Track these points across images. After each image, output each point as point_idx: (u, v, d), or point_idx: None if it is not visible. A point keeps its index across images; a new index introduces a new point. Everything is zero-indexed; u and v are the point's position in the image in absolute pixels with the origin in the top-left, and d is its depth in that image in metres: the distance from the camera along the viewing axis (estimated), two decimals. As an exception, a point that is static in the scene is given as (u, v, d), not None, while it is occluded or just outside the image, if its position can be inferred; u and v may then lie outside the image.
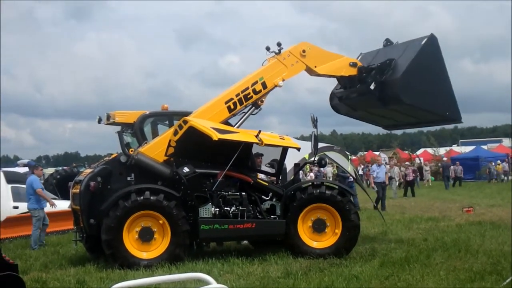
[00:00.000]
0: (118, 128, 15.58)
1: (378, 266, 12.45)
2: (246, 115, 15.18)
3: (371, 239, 16.42)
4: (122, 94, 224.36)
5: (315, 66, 15.37)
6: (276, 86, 15.05)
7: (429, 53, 15.02)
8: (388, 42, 15.85)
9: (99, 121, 15.88)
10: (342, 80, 15.91)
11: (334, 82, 16.71)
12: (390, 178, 32.16)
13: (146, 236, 13.44)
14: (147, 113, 15.57)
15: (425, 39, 15.04)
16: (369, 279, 11.09)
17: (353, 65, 15.47)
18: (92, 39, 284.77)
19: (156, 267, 12.81)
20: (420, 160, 62.74)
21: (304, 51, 15.25)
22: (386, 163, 42.46)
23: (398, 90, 14.62)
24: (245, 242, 15.64)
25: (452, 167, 48.71)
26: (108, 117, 15.60)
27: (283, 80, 15.09)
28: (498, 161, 54.07)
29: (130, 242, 13.36)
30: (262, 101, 15.14)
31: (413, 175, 39.68)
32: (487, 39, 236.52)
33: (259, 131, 14.39)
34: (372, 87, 15.03)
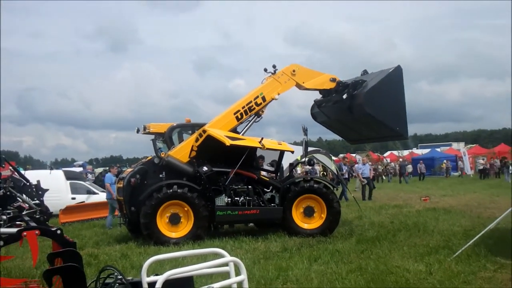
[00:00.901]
0: (152, 136, 15.62)
1: (355, 243, 12.46)
2: (250, 123, 15.19)
3: (349, 222, 16.38)
4: (152, 111, 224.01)
5: (303, 82, 15.33)
6: (273, 99, 15.05)
7: (393, 79, 14.87)
8: (365, 72, 15.81)
9: (137, 131, 15.88)
10: (323, 92, 15.84)
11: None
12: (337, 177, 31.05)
13: (174, 220, 13.51)
14: (175, 124, 15.58)
15: (393, 68, 14.97)
16: (348, 253, 11.10)
17: (333, 80, 15.39)
18: (127, 67, 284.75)
19: (182, 244, 12.87)
20: (387, 160, 62.64)
21: (294, 70, 15.23)
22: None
23: (362, 101, 14.47)
24: (251, 224, 15.64)
25: (417, 165, 48.67)
26: (145, 128, 15.61)
27: (279, 94, 15.07)
28: (444, 161, 54.15)
29: (162, 225, 13.43)
30: (262, 111, 15.13)
31: (373, 172, 39.70)
32: (440, 66, 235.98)
33: (262, 138, 14.46)
34: (344, 96, 14.94)
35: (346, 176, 28.48)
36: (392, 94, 14.86)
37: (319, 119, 16.79)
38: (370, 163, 32.42)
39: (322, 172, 36.44)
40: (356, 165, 29.89)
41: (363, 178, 26.17)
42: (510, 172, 39.60)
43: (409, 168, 48.32)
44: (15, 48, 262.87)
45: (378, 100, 14.64)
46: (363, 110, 14.57)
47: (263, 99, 14.94)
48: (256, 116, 15.15)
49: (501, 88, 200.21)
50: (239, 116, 14.83)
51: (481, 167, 47.82)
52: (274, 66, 15.24)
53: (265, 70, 15.28)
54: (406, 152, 69.05)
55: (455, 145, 73.55)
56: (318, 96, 16.35)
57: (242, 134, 15.09)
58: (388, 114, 14.81)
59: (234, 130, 14.89)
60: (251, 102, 14.89)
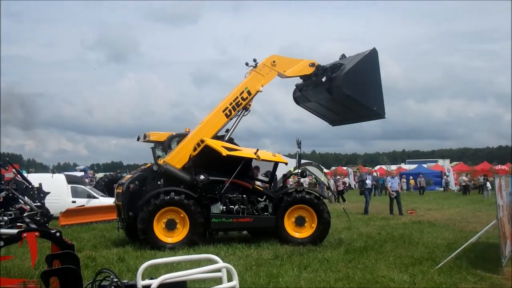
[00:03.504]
0: (152, 144, 15.60)
1: (343, 252, 12.43)
2: (239, 117, 15.04)
3: (339, 232, 16.34)
4: (153, 119, 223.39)
5: (284, 71, 15.19)
6: (258, 91, 14.94)
7: (369, 61, 14.83)
8: (343, 56, 15.63)
9: (138, 139, 15.89)
10: (304, 77, 15.66)
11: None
12: (327, 188, 28.98)
13: (171, 226, 13.41)
14: (174, 134, 15.58)
15: (369, 51, 14.93)
16: (336, 262, 11.06)
17: (312, 65, 15.27)
18: (129, 77, 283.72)
19: (178, 249, 12.77)
20: (377, 174, 62.64)
21: (274, 61, 15.08)
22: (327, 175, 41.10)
23: (341, 82, 14.44)
24: (245, 232, 15.56)
25: (417, 179, 48.41)
26: (145, 136, 15.61)
27: (262, 86, 14.96)
28: (410, 177, 54.24)
29: (159, 230, 13.34)
30: (249, 105, 15.00)
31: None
32: (425, 86, 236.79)
33: (257, 150, 14.44)
34: (323, 79, 14.84)
35: (370, 187, 27.03)
36: (369, 75, 14.82)
37: (301, 103, 16.65)
38: (341, 176, 31.29)
39: (312, 182, 36.20)
40: (388, 178, 28.46)
41: (392, 191, 24.95)
42: (489, 188, 38.90)
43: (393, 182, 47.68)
44: (26, 55, 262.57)
45: (355, 81, 14.61)
46: (342, 91, 14.55)
47: (249, 93, 14.85)
48: (244, 110, 15.03)
49: (482, 109, 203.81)
50: (228, 113, 14.74)
51: (464, 184, 48.03)
52: (254, 60, 15.11)
53: (247, 64, 15.15)
54: (394, 167, 69.22)
55: (440, 162, 73.77)
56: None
57: (233, 129, 15.03)
58: (366, 94, 14.78)
59: (220, 137, 14.84)
60: (237, 97, 14.80)
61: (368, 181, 26.54)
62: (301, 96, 16.30)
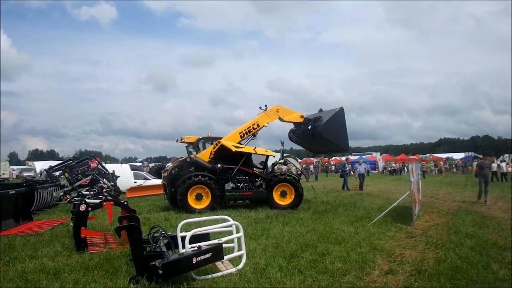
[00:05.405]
0: (186, 144, 15.55)
1: (311, 214, 12.42)
2: (249, 140, 14.99)
3: (308, 200, 16.32)
4: (185, 128, 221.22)
5: (283, 117, 15.26)
6: (264, 126, 14.96)
7: (339, 115, 14.92)
8: (321, 110, 15.80)
9: (177, 140, 15.83)
10: (296, 124, 15.78)
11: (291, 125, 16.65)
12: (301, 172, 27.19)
13: (199, 197, 13.40)
14: (200, 137, 15.56)
15: (338, 108, 15.03)
16: (307, 220, 11.09)
17: (302, 116, 15.37)
18: (169, 101, 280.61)
19: (203, 213, 12.77)
20: (333, 162, 62.53)
21: (278, 109, 15.14)
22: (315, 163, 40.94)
23: (321, 130, 14.56)
24: (247, 201, 15.57)
25: (364, 165, 46.62)
26: (181, 139, 15.54)
27: (268, 123, 15.01)
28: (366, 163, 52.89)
29: (191, 200, 13.33)
30: (257, 133, 14.97)
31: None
32: (362, 105, 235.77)
33: (255, 147, 14.45)
34: (309, 127, 14.98)
35: (347, 171, 25.43)
36: (338, 125, 14.89)
37: (293, 140, 16.68)
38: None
39: (288, 170, 35.99)
40: (356, 165, 27.16)
41: (358, 174, 24.26)
42: (406, 171, 39.12)
43: (360, 168, 47.36)
44: (104, 87, 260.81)
45: (329, 129, 14.69)
46: (321, 135, 14.64)
47: (258, 125, 14.85)
48: (252, 136, 15.01)
49: (398, 119, 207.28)
50: (242, 135, 14.72)
51: (390, 169, 48.09)
52: (265, 105, 15.23)
53: (260, 107, 15.25)
54: (344, 158, 68.97)
55: (374, 154, 73.65)
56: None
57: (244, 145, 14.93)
58: (337, 137, 14.84)
59: (239, 143, 14.83)
60: (250, 127, 14.80)
61: (347, 167, 26.02)
62: (293, 136, 16.41)
